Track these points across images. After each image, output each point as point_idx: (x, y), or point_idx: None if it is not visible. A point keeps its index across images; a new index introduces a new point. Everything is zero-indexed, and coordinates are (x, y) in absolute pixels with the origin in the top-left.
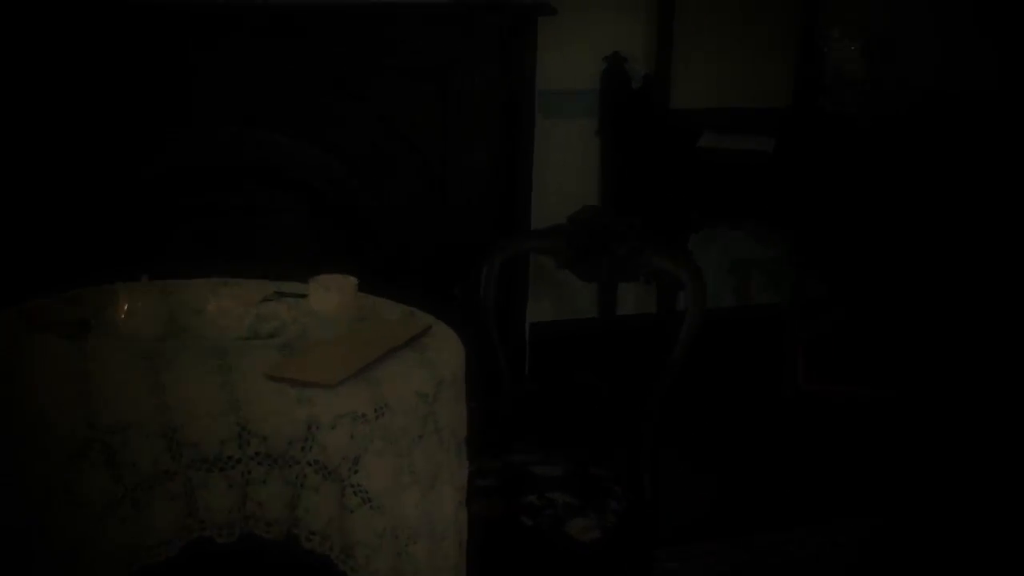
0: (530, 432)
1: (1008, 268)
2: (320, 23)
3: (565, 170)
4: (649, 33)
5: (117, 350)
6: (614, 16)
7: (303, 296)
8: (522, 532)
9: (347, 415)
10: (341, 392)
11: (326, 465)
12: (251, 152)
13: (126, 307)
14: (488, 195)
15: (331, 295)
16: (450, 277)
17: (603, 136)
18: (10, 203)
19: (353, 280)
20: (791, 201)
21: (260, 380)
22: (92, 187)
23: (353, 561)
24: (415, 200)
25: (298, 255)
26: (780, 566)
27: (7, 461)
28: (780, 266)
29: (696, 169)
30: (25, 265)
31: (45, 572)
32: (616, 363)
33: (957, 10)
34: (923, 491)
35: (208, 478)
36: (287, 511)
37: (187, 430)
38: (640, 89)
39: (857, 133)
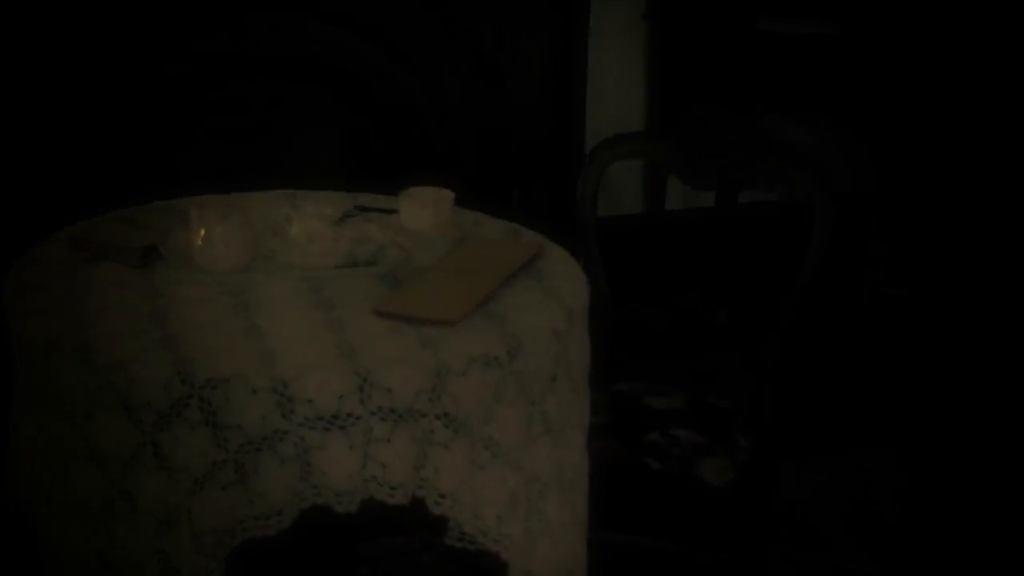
0: (632, 357)
1: None
2: None
3: (606, 58)
4: None
5: (197, 285)
6: None
7: (391, 211)
8: (649, 476)
9: (479, 358)
10: (467, 331)
11: (456, 417)
12: (281, 40)
13: (203, 232)
14: (545, 89)
15: (426, 211)
16: (507, 178)
17: (651, 20)
18: (29, 101)
19: (450, 194)
20: (863, 90)
21: (371, 319)
22: (115, 82)
23: (482, 523)
24: (468, 92)
25: (334, 156)
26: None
27: (82, 424)
28: None
29: (757, 55)
30: (42, 167)
31: None
32: (687, 268)
33: None
34: None
35: (325, 438)
36: (413, 472)
37: (299, 383)
38: None
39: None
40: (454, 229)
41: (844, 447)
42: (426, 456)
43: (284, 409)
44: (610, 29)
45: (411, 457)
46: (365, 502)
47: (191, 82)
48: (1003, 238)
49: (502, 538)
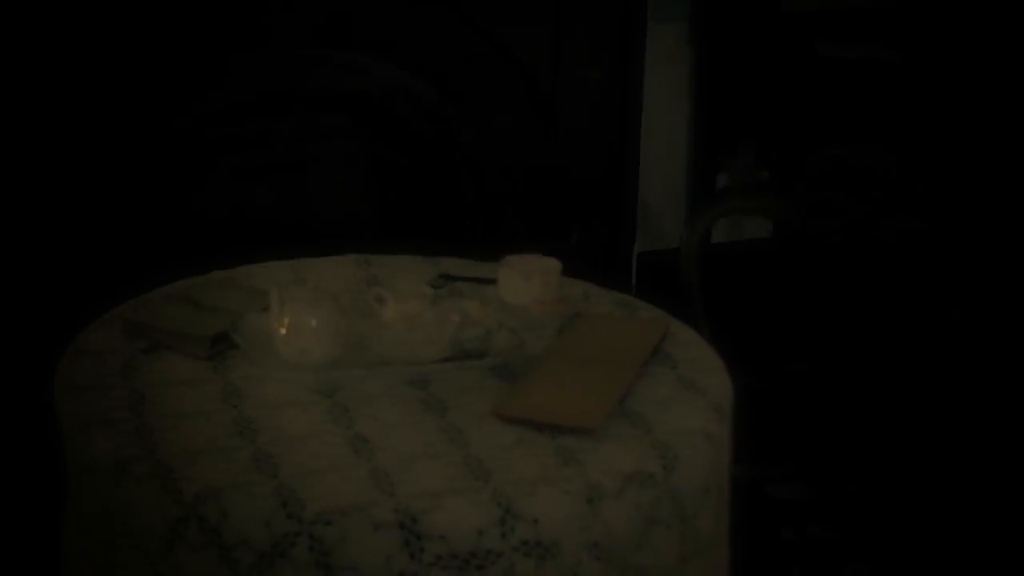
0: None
1: None
2: None
3: (648, 87)
4: None
5: (283, 382)
6: None
7: (487, 282)
8: None
9: (634, 477)
10: (611, 440)
11: (608, 548)
12: (321, 75)
13: (287, 320)
14: (599, 121)
15: (531, 283)
16: (563, 219)
17: (697, 45)
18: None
19: (557, 263)
20: (925, 117)
21: (493, 426)
22: (129, 123)
23: None
24: (520, 127)
25: (370, 196)
26: None
27: (160, 563)
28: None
29: (815, 82)
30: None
31: None
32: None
33: None
34: None
35: None
36: None
37: (430, 516)
38: None
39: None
40: (564, 305)
41: None
42: None
43: (412, 548)
44: (652, 55)
45: None
46: None
47: (209, 120)
48: None
49: None
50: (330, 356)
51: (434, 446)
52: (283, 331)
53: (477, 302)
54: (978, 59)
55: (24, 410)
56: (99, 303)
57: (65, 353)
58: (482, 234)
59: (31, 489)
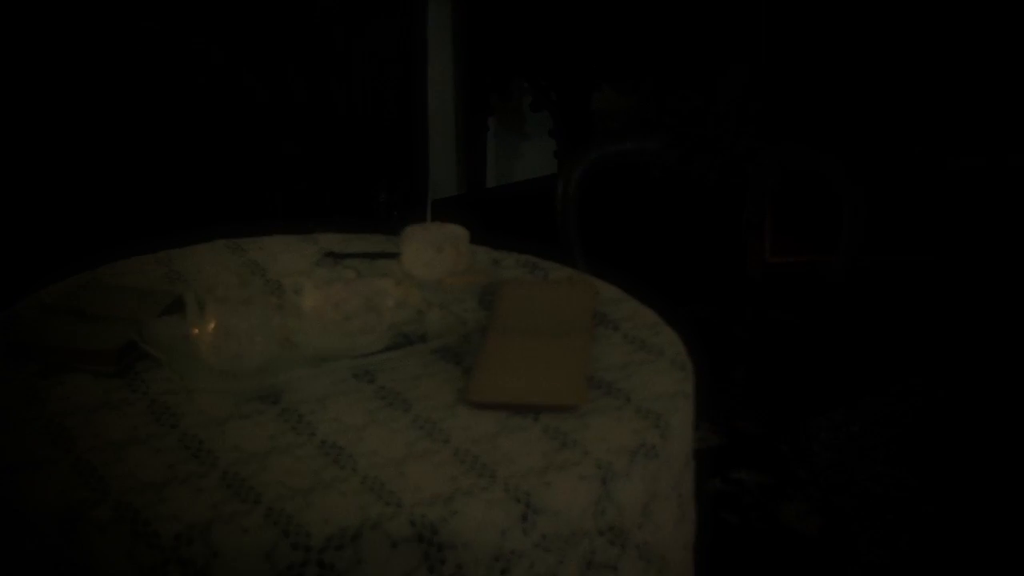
0: None
1: None
2: None
3: None
4: None
5: (220, 395)
6: None
7: (382, 256)
8: (729, 531)
9: (638, 450)
10: (600, 415)
11: (621, 530)
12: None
13: (212, 321)
14: (391, 73)
15: (442, 256)
16: (369, 181)
17: None
18: None
19: (463, 231)
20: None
21: (468, 414)
22: None
23: None
24: (315, 89)
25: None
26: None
27: None
28: None
29: (591, 15)
30: None
31: None
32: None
33: None
34: None
35: None
36: None
37: (451, 524)
38: None
39: None
40: (478, 274)
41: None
42: None
43: (432, 560)
44: None
45: None
46: None
47: None
48: None
49: None
50: (263, 359)
51: (415, 444)
52: (208, 337)
53: (391, 280)
54: None
55: None
56: None
57: None
58: (283, 208)
59: None
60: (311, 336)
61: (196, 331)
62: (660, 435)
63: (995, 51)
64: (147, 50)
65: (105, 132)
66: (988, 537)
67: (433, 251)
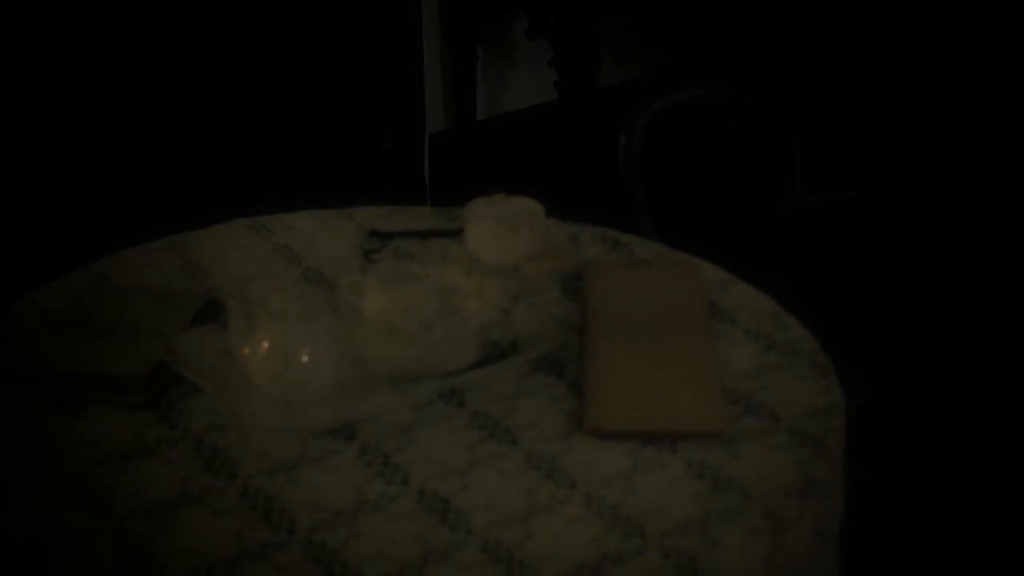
0: None
1: None
2: None
3: None
4: None
5: (280, 431)
6: None
7: (437, 235)
8: None
9: (807, 490)
10: (742, 439)
11: None
12: None
13: (265, 339)
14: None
15: (518, 237)
16: (374, 122)
17: None
18: None
19: (538, 206)
20: None
21: (588, 446)
22: None
23: None
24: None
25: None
26: None
27: None
28: None
29: None
30: None
31: None
32: None
33: None
34: None
35: None
36: None
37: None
38: None
39: None
40: (564, 259)
41: None
42: None
43: None
44: None
45: None
46: None
47: None
48: None
49: None
50: (330, 380)
51: (536, 492)
52: (262, 359)
53: (460, 271)
54: None
55: None
56: None
57: None
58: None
59: None
60: (381, 351)
61: (246, 351)
62: (825, 466)
63: None
64: None
65: (75, 101)
66: None
67: (506, 231)
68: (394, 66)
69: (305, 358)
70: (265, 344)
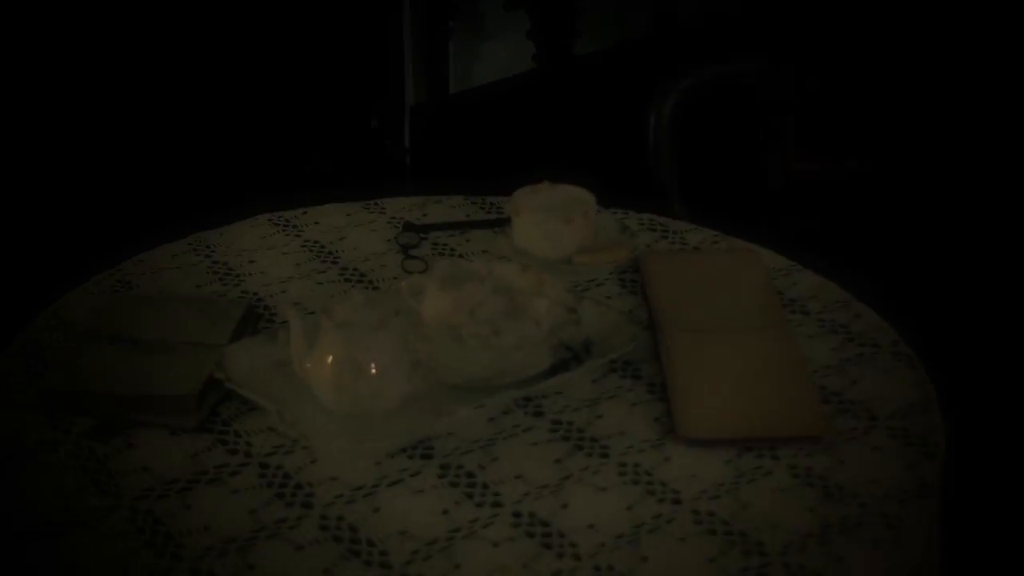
0: None
1: None
2: None
3: None
4: None
5: (349, 451)
6: None
7: (482, 225)
8: None
9: (921, 493)
10: (853, 444)
11: None
12: None
13: (332, 355)
14: None
15: (572, 228)
16: (363, 104)
17: None
18: None
19: (589, 195)
20: None
21: (681, 456)
22: None
23: None
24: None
25: None
26: None
27: None
28: None
29: None
30: None
31: None
32: None
33: None
34: None
35: None
36: None
37: None
38: None
39: None
40: (620, 250)
41: None
42: None
43: None
44: None
45: None
46: None
47: None
48: None
49: None
50: (400, 396)
51: (638, 508)
52: (328, 374)
53: (514, 265)
54: None
55: None
56: None
57: None
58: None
59: None
60: (447, 359)
61: (309, 365)
62: (935, 467)
63: None
64: None
65: (70, 98)
66: None
67: (559, 222)
68: (375, 41)
69: (375, 370)
70: (330, 357)
